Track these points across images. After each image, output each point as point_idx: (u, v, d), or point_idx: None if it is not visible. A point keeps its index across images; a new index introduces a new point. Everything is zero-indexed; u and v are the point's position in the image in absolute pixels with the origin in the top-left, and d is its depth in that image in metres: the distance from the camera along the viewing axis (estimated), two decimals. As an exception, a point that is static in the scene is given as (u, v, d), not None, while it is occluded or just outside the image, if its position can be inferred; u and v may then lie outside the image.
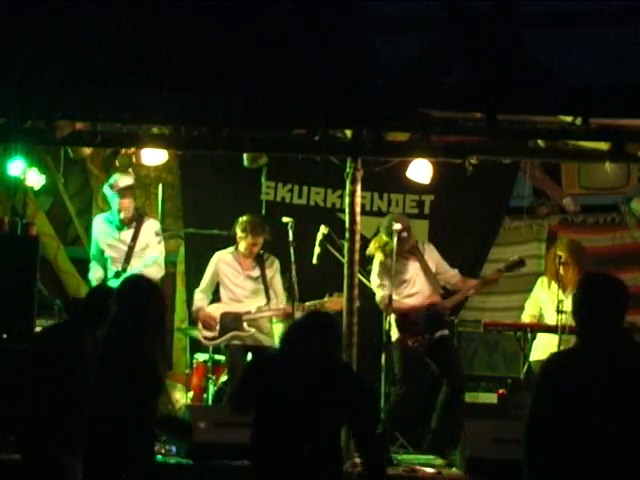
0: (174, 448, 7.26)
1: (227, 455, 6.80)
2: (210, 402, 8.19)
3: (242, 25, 7.90)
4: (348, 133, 7.72)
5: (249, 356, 8.15)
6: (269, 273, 8.30)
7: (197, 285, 8.47)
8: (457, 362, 8.13)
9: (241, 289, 8.29)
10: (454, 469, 7.35)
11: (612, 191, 9.47)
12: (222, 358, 8.39)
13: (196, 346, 8.75)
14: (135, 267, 8.28)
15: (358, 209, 7.65)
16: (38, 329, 7.47)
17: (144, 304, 5.00)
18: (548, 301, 8.03)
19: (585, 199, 9.67)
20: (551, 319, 7.88)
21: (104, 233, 8.47)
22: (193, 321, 8.61)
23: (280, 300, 8.27)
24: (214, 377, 8.31)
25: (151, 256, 8.32)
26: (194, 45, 7.70)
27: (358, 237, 7.62)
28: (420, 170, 8.12)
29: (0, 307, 7.50)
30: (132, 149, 8.25)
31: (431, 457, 7.73)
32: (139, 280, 5.47)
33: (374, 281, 8.00)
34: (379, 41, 8.66)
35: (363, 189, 7.73)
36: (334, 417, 4.98)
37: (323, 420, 4.94)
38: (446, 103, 7.57)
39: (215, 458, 6.89)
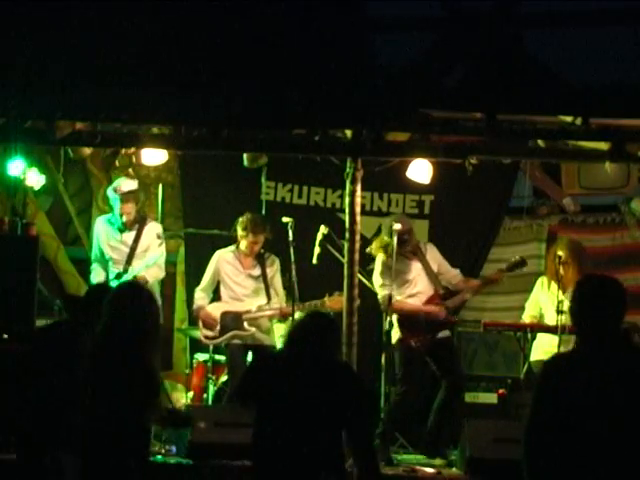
0: (174, 448, 7.26)
1: (227, 455, 6.81)
2: (210, 402, 8.18)
3: (242, 25, 7.89)
4: (348, 133, 7.72)
5: (249, 355, 8.16)
6: (270, 272, 8.30)
7: (197, 285, 8.47)
8: (457, 362, 8.13)
9: (242, 288, 8.28)
10: (454, 469, 7.36)
11: (612, 191, 9.46)
12: (222, 358, 8.39)
13: (196, 346, 8.75)
14: (136, 268, 8.28)
15: (358, 209, 7.65)
16: (38, 329, 7.49)
17: (142, 311, 5.00)
18: (548, 301, 8.02)
19: (585, 199, 9.66)
20: (551, 319, 7.87)
21: (106, 234, 8.46)
22: (193, 320, 8.61)
23: (280, 299, 8.27)
24: (214, 377, 8.30)
25: (152, 257, 8.31)
26: (194, 45, 7.69)
27: (358, 237, 7.62)
28: (420, 170, 8.13)
29: (0, 307, 7.50)
30: (132, 149, 8.26)
31: (431, 457, 7.73)
32: (135, 286, 5.51)
33: (376, 281, 7.99)
34: (379, 41, 8.64)
35: (363, 189, 7.73)
36: (334, 417, 4.99)
37: (323, 420, 4.96)
38: (446, 103, 7.57)
39: (215, 458, 6.89)
